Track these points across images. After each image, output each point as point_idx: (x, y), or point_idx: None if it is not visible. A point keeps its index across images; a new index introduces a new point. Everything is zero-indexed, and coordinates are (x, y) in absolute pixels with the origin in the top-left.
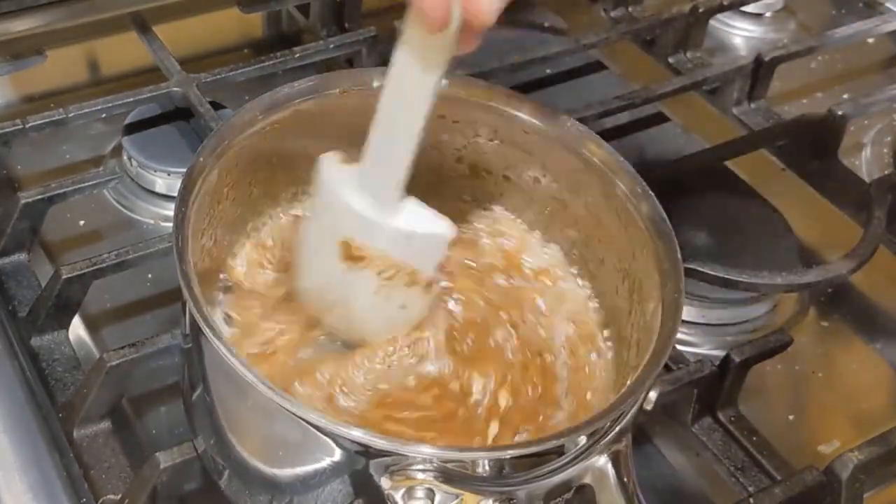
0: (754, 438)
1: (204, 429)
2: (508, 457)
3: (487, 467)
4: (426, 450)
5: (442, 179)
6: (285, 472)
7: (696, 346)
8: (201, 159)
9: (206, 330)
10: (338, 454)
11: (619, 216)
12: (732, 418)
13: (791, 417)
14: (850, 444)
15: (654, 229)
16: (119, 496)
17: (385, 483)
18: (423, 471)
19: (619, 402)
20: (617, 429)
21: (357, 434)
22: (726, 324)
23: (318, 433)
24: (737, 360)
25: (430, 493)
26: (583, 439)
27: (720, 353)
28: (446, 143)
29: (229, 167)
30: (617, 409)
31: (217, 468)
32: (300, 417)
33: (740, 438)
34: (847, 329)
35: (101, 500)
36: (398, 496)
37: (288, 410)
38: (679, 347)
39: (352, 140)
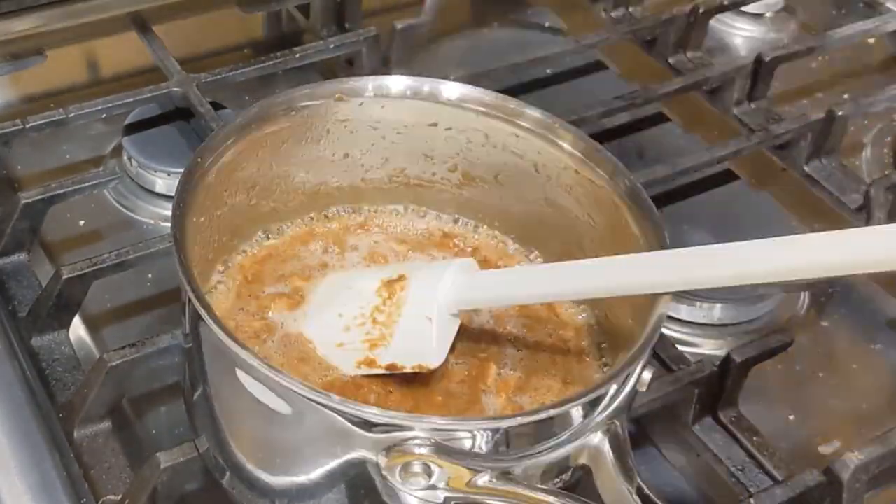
0: (755, 439)
1: (205, 428)
2: (505, 427)
3: (484, 442)
4: (423, 421)
5: (438, 189)
6: (286, 462)
7: (697, 346)
8: (199, 159)
9: (205, 314)
10: (337, 431)
11: (611, 212)
12: (733, 418)
13: (791, 417)
14: (850, 445)
15: (644, 221)
16: (119, 496)
17: (381, 461)
18: (420, 445)
19: (612, 376)
20: (612, 406)
21: (353, 408)
22: (726, 324)
23: (315, 406)
24: (737, 360)
25: (427, 469)
26: (578, 414)
27: (720, 353)
28: (440, 152)
29: (229, 171)
30: (610, 382)
31: (219, 466)
32: (295, 392)
33: (741, 439)
34: (847, 329)
35: (101, 501)
36: (395, 473)
37: (284, 386)
38: (679, 348)
39: (347, 148)
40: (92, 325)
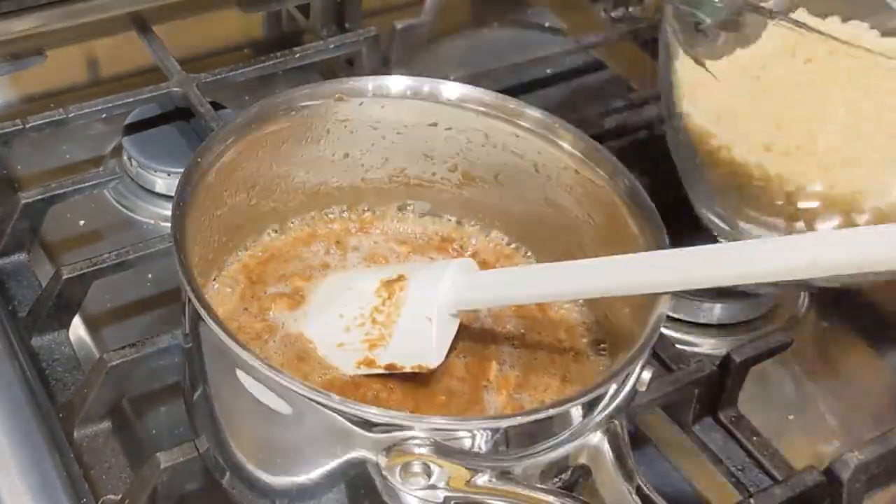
0: (755, 438)
1: (205, 428)
2: (504, 426)
3: (483, 442)
4: (422, 421)
5: (438, 190)
6: (286, 462)
7: (697, 346)
8: (199, 160)
9: (205, 314)
10: (336, 431)
11: (611, 212)
12: (733, 418)
13: (791, 417)
14: (850, 445)
15: (644, 221)
16: (119, 496)
17: (381, 460)
18: (420, 445)
19: (612, 376)
20: (612, 406)
21: (353, 407)
22: (726, 324)
23: (315, 406)
24: (737, 360)
25: (427, 468)
26: (577, 414)
27: (720, 353)
28: (440, 152)
29: (229, 170)
30: (610, 382)
31: (219, 466)
32: (296, 391)
33: (741, 438)
34: (847, 329)
35: (101, 501)
36: (395, 473)
37: (284, 386)
38: (679, 347)
39: (347, 148)
40: (92, 325)
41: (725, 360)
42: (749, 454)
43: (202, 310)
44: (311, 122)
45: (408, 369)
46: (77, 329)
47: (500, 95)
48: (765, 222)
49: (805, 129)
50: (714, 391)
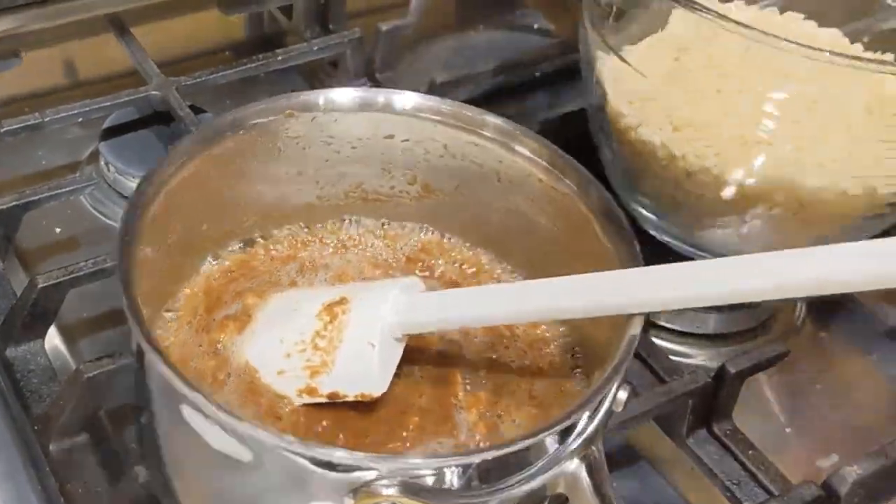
0: (750, 452)
1: (150, 457)
2: (476, 462)
3: (455, 478)
4: (388, 461)
5: (396, 203)
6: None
7: (691, 356)
8: (143, 189)
9: (155, 358)
10: (296, 475)
11: (578, 221)
12: (728, 431)
13: (788, 430)
14: (848, 458)
15: (613, 233)
16: None
17: (348, 502)
18: (388, 486)
19: (585, 401)
20: (588, 431)
21: (313, 449)
22: (721, 334)
23: (273, 449)
24: (732, 371)
25: None
26: (552, 442)
27: (715, 365)
28: (398, 164)
29: (178, 196)
30: (583, 408)
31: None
32: (249, 435)
33: (736, 452)
34: (845, 340)
35: None
36: None
37: (236, 430)
38: (673, 359)
39: (301, 165)
40: (68, 336)
41: (720, 372)
42: (744, 468)
43: (153, 354)
44: (263, 140)
45: (350, 398)
46: (53, 339)
47: (458, 104)
48: (663, 205)
49: (713, 112)
50: (708, 403)
